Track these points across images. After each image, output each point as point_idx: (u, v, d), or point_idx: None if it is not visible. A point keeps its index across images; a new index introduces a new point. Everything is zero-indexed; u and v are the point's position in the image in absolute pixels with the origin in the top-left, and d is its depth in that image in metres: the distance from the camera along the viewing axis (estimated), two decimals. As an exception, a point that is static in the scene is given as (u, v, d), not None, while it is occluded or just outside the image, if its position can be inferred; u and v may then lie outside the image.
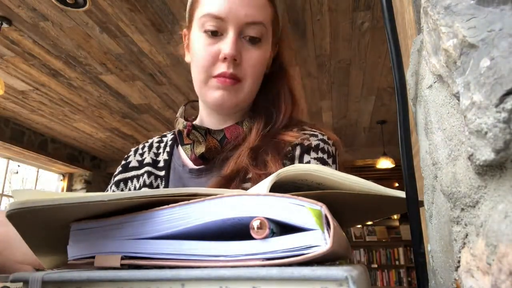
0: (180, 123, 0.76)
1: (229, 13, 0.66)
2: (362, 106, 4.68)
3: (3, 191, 5.60)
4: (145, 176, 0.77)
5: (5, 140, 4.89)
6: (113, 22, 2.94)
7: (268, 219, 0.28)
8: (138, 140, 5.80)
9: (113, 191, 0.79)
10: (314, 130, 0.75)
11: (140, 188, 0.77)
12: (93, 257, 0.32)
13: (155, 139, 0.86)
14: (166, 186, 0.76)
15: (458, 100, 0.27)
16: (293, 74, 0.81)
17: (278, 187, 0.37)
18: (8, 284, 0.31)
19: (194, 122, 0.80)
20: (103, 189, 7.28)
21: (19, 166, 6.20)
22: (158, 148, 0.83)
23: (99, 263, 0.31)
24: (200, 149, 0.72)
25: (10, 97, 4.30)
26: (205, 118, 0.79)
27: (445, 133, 0.32)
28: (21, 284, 0.29)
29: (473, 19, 0.26)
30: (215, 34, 0.68)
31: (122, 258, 0.31)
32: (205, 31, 0.69)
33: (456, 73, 0.28)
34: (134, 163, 0.81)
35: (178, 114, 0.79)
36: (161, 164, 0.79)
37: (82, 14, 2.85)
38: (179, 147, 0.80)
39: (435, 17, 0.30)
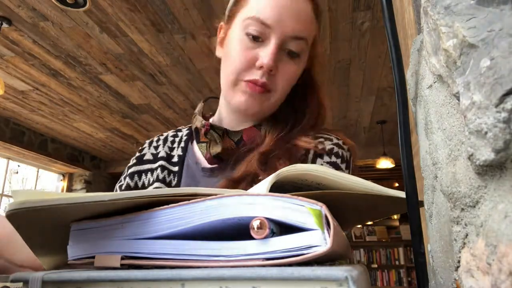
0: (198, 121, 0.75)
1: (276, 22, 0.65)
2: (362, 106, 4.68)
3: (3, 191, 5.60)
4: (159, 170, 0.77)
5: (5, 140, 4.89)
6: (113, 22, 2.94)
7: (268, 219, 0.28)
8: (138, 140, 5.80)
9: (127, 182, 0.78)
10: (330, 134, 0.74)
11: (154, 181, 0.77)
12: (93, 257, 0.32)
13: (170, 132, 0.86)
14: (179, 181, 0.76)
15: (458, 100, 0.27)
16: (322, 86, 0.79)
17: (278, 187, 0.37)
18: (8, 284, 0.31)
19: (212, 120, 0.80)
20: (103, 189, 7.24)
21: (19, 166, 6.20)
22: (172, 142, 0.82)
23: (99, 263, 0.31)
24: (216, 149, 0.72)
25: (10, 97, 4.30)
26: (225, 116, 0.78)
27: (445, 133, 0.32)
28: (21, 284, 0.29)
29: (473, 19, 0.26)
30: (257, 40, 0.67)
31: (122, 258, 0.31)
32: (247, 34, 0.67)
33: (456, 73, 0.28)
34: (148, 156, 0.81)
35: (196, 110, 0.79)
36: (175, 159, 0.79)
37: (82, 14, 2.84)
38: (194, 143, 0.80)
39: (435, 17, 0.30)
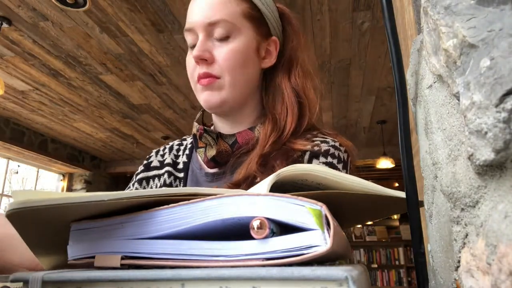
0: (194, 127, 0.79)
1: (194, 22, 0.72)
2: (362, 106, 4.68)
3: (3, 191, 5.60)
4: (166, 175, 0.81)
5: (5, 140, 4.89)
6: (113, 22, 2.94)
7: (268, 219, 0.28)
8: (138, 140, 5.80)
9: (136, 188, 0.82)
10: (326, 136, 0.75)
11: (161, 186, 0.80)
12: (93, 257, 0.32)
13: (176, 142, 0.90)
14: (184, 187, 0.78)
15: (458, 100, 0.27)
16: (303, 72, 0.80)
17: (278, 187, 0.37)
18: (8, 284, 0.31)
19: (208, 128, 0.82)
20: (103, 189, 7.24)
21: (19, 166, 6.21)
22: (178, 150, 0.86)
23: (99, 263, 0.31)
24: (212, 152, 0.74)
25: (10, 97, 4.30)
26: (217, 124, 0.81)
27: (445, 133, 0.32)
28: (21, 284, 0.29)
29: (473, 19, 0.26)
30: (193, 47, 0.73)
31: (122, 258, 0.31)
32: (189, 46, 0.75)
33: (456, 73, 0.28)
34: (155, 163, 0.85)
35: (195, 119, 0.82)
36: (181, 166, 0.82)
37: (82, 14, 2.84)
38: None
39: (435, 17, 0.30)
